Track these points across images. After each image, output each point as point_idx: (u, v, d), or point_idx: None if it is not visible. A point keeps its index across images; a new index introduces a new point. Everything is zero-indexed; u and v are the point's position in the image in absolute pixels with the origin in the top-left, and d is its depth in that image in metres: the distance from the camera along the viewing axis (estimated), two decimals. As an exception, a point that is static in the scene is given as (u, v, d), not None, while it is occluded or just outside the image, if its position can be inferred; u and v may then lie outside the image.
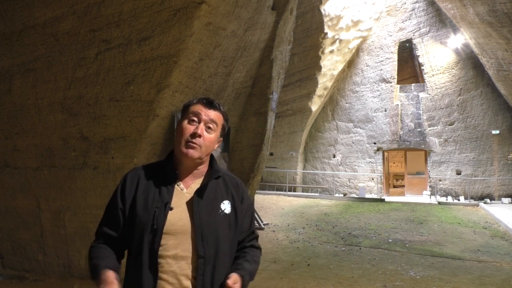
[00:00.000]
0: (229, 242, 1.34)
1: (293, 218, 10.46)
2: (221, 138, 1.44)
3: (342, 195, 15.37)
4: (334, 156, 16.66)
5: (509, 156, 14.01)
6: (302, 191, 16.46)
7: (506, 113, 14.04)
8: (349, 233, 8.50)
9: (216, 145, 1.41)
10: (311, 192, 16.24)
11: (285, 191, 15.58)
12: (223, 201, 1.36)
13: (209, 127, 1.35)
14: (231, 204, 1.37)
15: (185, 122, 1.35)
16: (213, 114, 1.37)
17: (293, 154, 16.39)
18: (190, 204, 1.31)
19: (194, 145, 1.31)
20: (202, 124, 1.34)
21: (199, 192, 1.33)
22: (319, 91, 15.63)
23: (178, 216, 1.29)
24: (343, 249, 7.11)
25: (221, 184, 1.39)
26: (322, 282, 5.03)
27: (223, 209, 1.35)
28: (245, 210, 1.42)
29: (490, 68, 12.66)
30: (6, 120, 5.22)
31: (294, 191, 16.17)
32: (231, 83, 6.09)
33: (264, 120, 6.76)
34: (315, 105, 15.80)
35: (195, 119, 1.35)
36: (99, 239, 1.35)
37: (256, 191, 10.08)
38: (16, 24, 4.92)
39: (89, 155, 4.77)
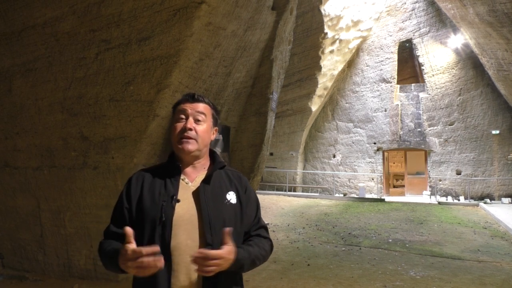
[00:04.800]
0: (235, 231, 1.36)
1: (293, 218, 10.46)
2: (216, 128, 1.49)
3: (342, 195, 15.37)
4: (334, 156, 16.66)
5: (509, 156, 14.00)
6: (302, 191, 16.46)
7: (506, 113, 14.03)
8: (349, 233, 8.50)
9: (213, 136, 1.46)
10: (311, 192, 16.24)
11: (285, 191, 15.58)
12: (228, 192, 1.40)
13: (198, 120, 1.40)
14: (236, 195, 1.41)
15: (175, 121, 1.41)
16: (199, 106, 1.41)
17: (293, 154, 16.39)
18: (196, 193, 1.35)
19: (188, 139, 1.36)
20: (190, 118, 1.39)
21: (205, 182, 1.37)
22: (319, 91, 15.63)
23: (186, 207, 1.32)
24: (343, 249, 7.11)
25: (224, 177, 1.43)
26: (322, 282, 5.03)
27: (228, 199, 1.38)
28: (249, 201, 1.45)
29: (490, 68, 12.66)
30: (6, 120, 5.22)
31: (294, 191, 16.17)
32: (231, 83, 6.09)
33: (264, 120, 6.76)
34: (315, 105, 15.80)
35: (183, 116, 1.40)
36: (107, 238, 1.37)
37: (256, 191, 10.07)
38: (16, 24, 4.92)
39: (89, 155, 4.77)
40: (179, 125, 1.38)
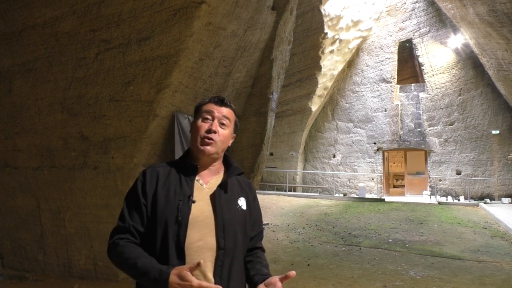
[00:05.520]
0: (244, 236, 1.39)
1: (293, 218, 10.46)
2: (234, 134, 1.50)
3: (342, 195, 15.37)
4: (334, 156, 16.66)
5: (509, 156, 14.00)
6: (302, 191, 16.45)
7: (506, 113, 14.03)
8: (349, 233, 8.50)
9: (231, 141, 1.47)
10: (311, 192, 16.23)
11: (285, 191, 15.58)
12: (239, 197, 1.42)
13: (222, 123, 1.41)
14: (246, 202, 1.43)
15: (199, 121, 1.41)
16: (225, 110, 1.42)
17: (293, 154, 16.39)
18: (213, 197, 1.35)
19: (210, 141, 1.36)
20: (215, 121, 1.39)
21: (222, 187, 1.38)
22: (319, 91, 15.63)
23: (201, 209, 1.32)
24: (343, 249, 7.11)
25: (235, 182, 1.45)
26: (322, 282, 5.03)
27: (240, 205, 1.40)
28: (256, 209, 1.49)
29: (490, 68, 12.66)
30: (6, 120, 5.22)
31: (294, 191, 16.17)
32: (231, 83, 6.09)
33: (264, 120, 6.76)
34: (315, 105, 15.80)
35: (209, 117, 1.40)
36: (123, 235, 1.31)
37: (256, 191, 10.07)
38: (16, 24, 4.92)
39: (89, 155, 4.77)
40: (204, 125, 1.38)
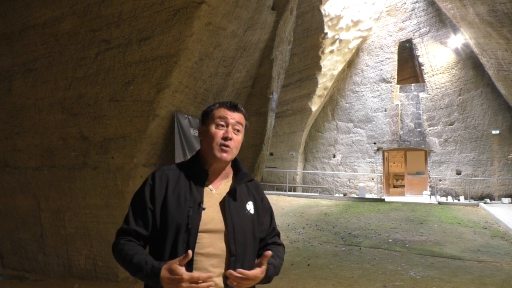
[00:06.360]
0: (253, 240, 1.40)
1: (293, 218, 10.46)
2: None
3: (342, 195, 15.37)
4: (334, 156, 16.66)
5: (509, 156, 14.00)
6: (302, 191, 16.45)
7: (506, 113, 14.03)
8: (349, 233, 8.50)
9: None
10: (311, 192, 16.23)
11: (285, 191, 15.57)
12: (247, 202, 1.42)
13: (236, 130, 1.41)
14: (253, 205, 1.43)
15: (213, 126, 1.39)
16: (238, 116, 1.42)
17: (293, 154, 16.39)
18: (222, 205, 1.36)
19: (227, 148, 1.36)
20: (230, 127, 1.39)
21: (231, 194, 1.38)
22: (319, 91, 15.63)
23: (210, 215, 1.33)
24: (343, 249, 7.11)
25: (243, 186, 1.45)
26: (322, 282, 5.03)
27: (248, 209, 1.40)
28: (265, 209, 1.49)
29: (490, 68, 12.66)
30: (6, 120, 5.22)
31: (294, 191, 16.17)
32: (231, 83, 6.09)
33: (264, 120, 6.76)
34: (315, 105, 15.80)
35: (223, 123, 1.39)
36: (125, 236, 1.33)
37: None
38: (16, 24, 4.92)
39: (89, 155, 4.77)
40: (219, 132, 1.38)
